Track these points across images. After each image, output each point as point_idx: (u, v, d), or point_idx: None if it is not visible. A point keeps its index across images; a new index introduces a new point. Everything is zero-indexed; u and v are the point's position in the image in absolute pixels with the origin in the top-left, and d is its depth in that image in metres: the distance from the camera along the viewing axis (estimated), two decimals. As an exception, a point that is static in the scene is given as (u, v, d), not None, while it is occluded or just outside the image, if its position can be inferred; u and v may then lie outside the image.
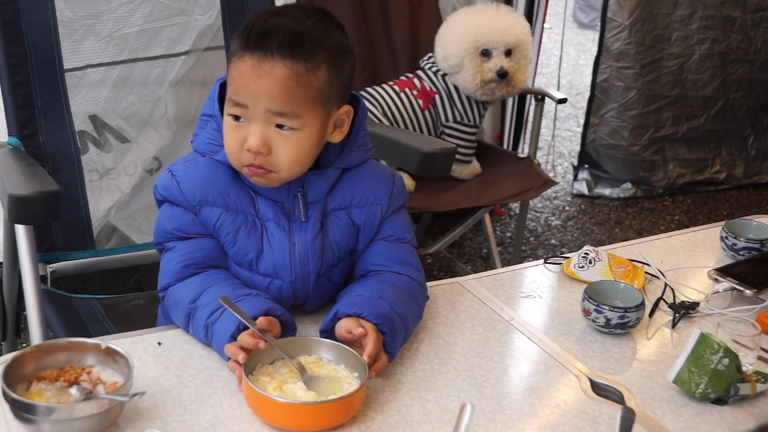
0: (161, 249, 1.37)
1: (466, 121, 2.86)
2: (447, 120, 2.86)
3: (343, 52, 1.29)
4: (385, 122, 2.77)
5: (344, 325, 1.25)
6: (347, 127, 1.34)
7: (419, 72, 2.90)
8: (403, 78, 2.89)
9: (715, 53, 4.02)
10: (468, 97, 2.85)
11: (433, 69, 2.87)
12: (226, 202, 1.32)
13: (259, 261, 1.34)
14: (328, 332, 1.28)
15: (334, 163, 1.35)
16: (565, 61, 6.36)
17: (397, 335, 1.28)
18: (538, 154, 3.45)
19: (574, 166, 4.20)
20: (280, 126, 1.25)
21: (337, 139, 1.33)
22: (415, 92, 2.82)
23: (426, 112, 2.83)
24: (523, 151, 3.49)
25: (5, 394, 1.08)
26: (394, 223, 1.42)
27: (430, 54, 2.93)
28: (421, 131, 2.83)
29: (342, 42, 1.29)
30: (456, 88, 2.84)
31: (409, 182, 2.75)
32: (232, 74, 1.26)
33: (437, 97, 2.84)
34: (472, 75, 2.78)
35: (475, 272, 1.70)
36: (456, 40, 2.78)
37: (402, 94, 2.81)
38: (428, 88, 2.84)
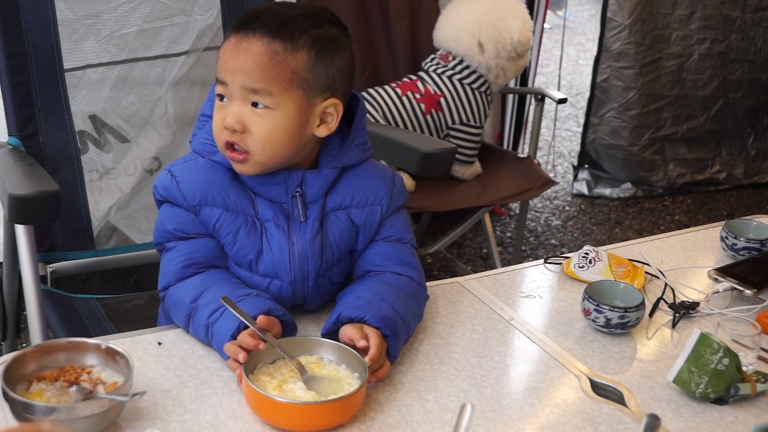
0: (161, 249, 1.37)
1: (472, 122, 2.86)
2: (453, 122, 2.85)
3: (333, 44, 1.29)
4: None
5: (348, 333, 1.25)
6: (335, 123, 1.32)
7: (422, 74, 2.89)
8: (405, 80, 2.87)
9: (714, 53, 4.02)
10: (475, 96, 2.85)
11: (439, 70, 2.86)
12: (225, 203, 1.32)
13: (258, 261, 1.34)
14: (331, 335, 1.28)
15: (331, 163, 1.35)
16: (565, 61, 6.35)
17: (399, 338, 1.28)
18: (538, 154, 3.44)
19: (574, 166, 4.20)
20: (255, 105, 1.26)
21: (323, 133, 1.32)
22: (417, 96, 2.81)
23: (428, 117, 2.82)
24: (523, 151, 3.49)
25: (5, 394, 1.08)
26: (393, 224, 1.42)
27: (432, 55, 2.92)
28: None
29: (333, 35, 1.29)
30: (463, 87, 2.83)
31: (409, 182, 2.75)
32: (219, 53, 1.29)
33: (443, 100, 2.83)
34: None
35: (475, 272, 1.70)
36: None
37: (404, 98, 2.80)
38: (432, 92, 2.82)
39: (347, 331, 1.25)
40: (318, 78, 1.27)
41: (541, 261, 1.67)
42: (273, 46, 1.24)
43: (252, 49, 1.24)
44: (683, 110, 4.08)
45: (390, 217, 1.41)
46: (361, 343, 1.22)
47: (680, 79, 4.01)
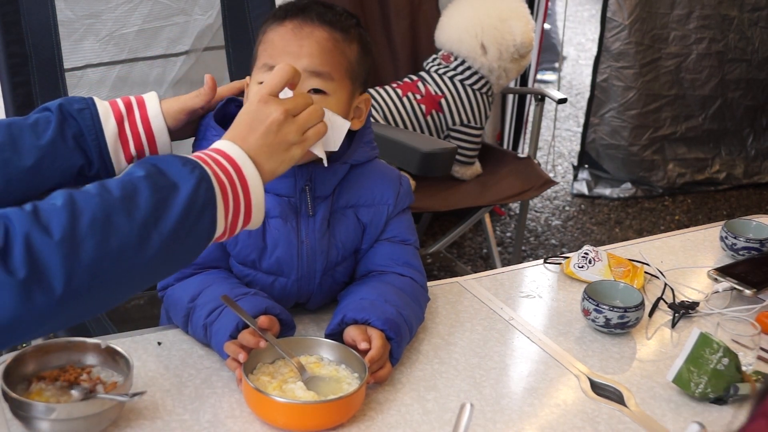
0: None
1: (473, 123, 2.86)
2: (454, 123, 2.85)
3: (369, 42, 1.34)
4: (385, 126, 2.76)
5: (351, 334, 1.25)
6: (365, 117, 1.36)
7: (423, 74, 2.88)
8: (406, 80, 2.87)
9: (712, 52, 4.02)
10: (476, 97, 2.85)
11: (440, 70, 2.86)
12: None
13: (262, 259, 1.34)
14: (334, 336, 1.28)
15: (340, 159, 1.35)
16: (565, 61, 6.35)
17: (402, 340, 1.28)
18: (538, 154, 3.44)
19: (574, 166, 4.20)
20: (312, 92, 1.26)
21: (356, 126, 1.34)
22: (418, 96, 2.81)
23: (429, 118, 2.82)
24: (523, 151, 3.49)
25: (5, 394, 1.08)
26: (398, 225, 1.42)
27: (434, 56, 2.92)
28: None
29: (366, 35, 1.35)
30: (464, 88, 2.83)
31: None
32: (270, 39, 1.28)
33: (443, 101, 2.82)
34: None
35: (475, 272, 1.70)
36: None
37: (405, 99, 2.79)
38: (433, 93, 2.82)
39: (351, 332, 1.25)
40: (361, 72, 1.32)
41: (541, 261, 1.67)
42: (334, 35, 1.28)
43: (316, 34, 1.27)
44: (682, 110, 4.08)
45: (395, 218, 1.41)
46: (363, 346, 1.23)
47: (678, 79, 4.01)
